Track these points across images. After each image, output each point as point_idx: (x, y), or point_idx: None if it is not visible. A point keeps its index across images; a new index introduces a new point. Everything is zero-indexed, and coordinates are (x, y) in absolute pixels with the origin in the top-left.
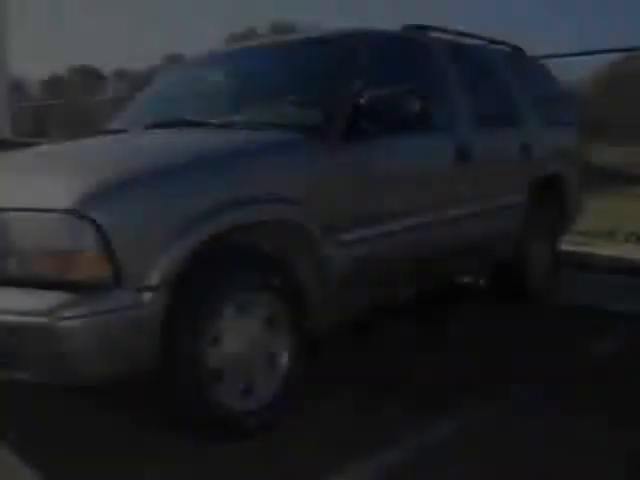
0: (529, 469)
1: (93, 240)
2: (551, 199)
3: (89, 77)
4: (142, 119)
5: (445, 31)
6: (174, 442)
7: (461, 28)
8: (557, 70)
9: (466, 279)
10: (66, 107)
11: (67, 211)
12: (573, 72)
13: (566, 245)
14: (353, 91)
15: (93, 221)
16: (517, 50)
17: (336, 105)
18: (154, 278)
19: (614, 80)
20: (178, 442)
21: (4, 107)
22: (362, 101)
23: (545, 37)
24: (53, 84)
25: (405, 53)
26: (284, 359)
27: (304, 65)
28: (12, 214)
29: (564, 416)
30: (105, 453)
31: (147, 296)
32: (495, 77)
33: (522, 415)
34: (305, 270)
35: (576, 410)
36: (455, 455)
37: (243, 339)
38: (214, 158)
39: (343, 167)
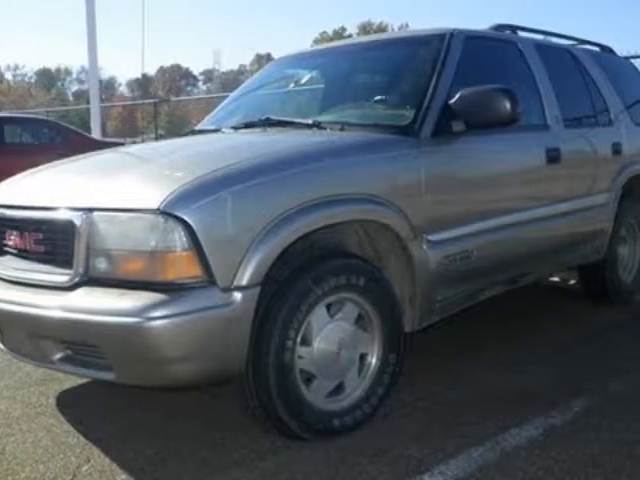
0: None
1: (183, 240)
2: None
3: (179, 77)
4: (232, 119)
5: (534, 31)
6: (250, 442)
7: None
8: None
9: (556, 278)
10: (156, 106)
11: (157, 211)
12: None
13: None
14: (443, 91)
15: (183, 221)
16: (606, 50)
17: (426, 105)
18: (244, 278)
19: None
20: (257, 441)
21: (96, 108)
22: (452, 101)
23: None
24: (143, 83)
25: (494, 53)
26: (374, 359)
27: (394, 65)
28: (101, 214)
29: None
30: (194, 454)
31: (237, 296)
32: (584, 77)
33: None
34: (394, 270)
35: None
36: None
37: (332, 339)
38: (303, 158)
39: (432, 167)
